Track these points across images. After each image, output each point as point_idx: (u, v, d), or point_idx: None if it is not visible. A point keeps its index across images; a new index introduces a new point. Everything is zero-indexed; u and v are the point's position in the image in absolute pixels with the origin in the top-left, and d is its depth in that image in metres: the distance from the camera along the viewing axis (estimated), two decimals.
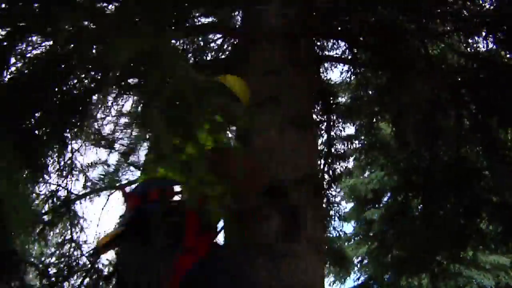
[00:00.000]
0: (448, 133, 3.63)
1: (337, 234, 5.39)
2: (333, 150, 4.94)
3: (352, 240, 12.73)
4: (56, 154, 2.66)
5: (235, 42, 4.19)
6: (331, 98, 4.87)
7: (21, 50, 1.67)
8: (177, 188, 1.68)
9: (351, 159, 5.15)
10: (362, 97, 4.83)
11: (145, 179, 1.86)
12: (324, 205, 2.35)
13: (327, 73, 4.74)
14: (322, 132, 4.84)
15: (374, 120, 5.02)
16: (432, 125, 3.64)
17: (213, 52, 4.40)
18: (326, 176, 4.97)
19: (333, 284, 12.60)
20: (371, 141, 5.11)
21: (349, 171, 5.08)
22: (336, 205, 5.21)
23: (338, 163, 4.96)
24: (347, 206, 12.19)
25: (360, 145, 5.03)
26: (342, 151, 5.02)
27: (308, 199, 2.13)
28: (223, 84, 2.15)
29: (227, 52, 4.40)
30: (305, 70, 2.66)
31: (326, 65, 4.68)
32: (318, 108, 4.90)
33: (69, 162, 3.31)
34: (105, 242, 1.61)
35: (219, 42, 4.48)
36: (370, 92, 4.74)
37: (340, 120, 4.93)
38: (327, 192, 5.02)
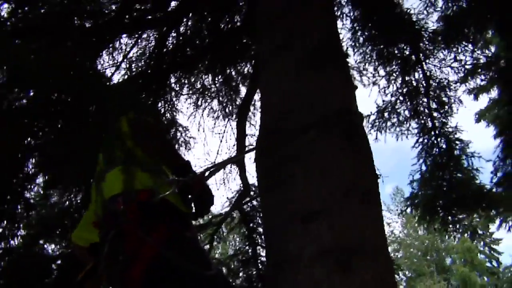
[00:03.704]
0: None
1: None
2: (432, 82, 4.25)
3: None
4: None
5: None
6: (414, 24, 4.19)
7: None
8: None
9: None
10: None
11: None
12: (368, 147, 1.94)
13: None
14: (411, 64, 4.19)
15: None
16: None
17: None
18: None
19: None
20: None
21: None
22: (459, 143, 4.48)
23: (443, 94, 4.25)
24: None
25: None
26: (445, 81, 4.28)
27: (332, 143, 1.77)
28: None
29: None
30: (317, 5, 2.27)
31: None
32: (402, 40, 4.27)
33: None
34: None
35: None
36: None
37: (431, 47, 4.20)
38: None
